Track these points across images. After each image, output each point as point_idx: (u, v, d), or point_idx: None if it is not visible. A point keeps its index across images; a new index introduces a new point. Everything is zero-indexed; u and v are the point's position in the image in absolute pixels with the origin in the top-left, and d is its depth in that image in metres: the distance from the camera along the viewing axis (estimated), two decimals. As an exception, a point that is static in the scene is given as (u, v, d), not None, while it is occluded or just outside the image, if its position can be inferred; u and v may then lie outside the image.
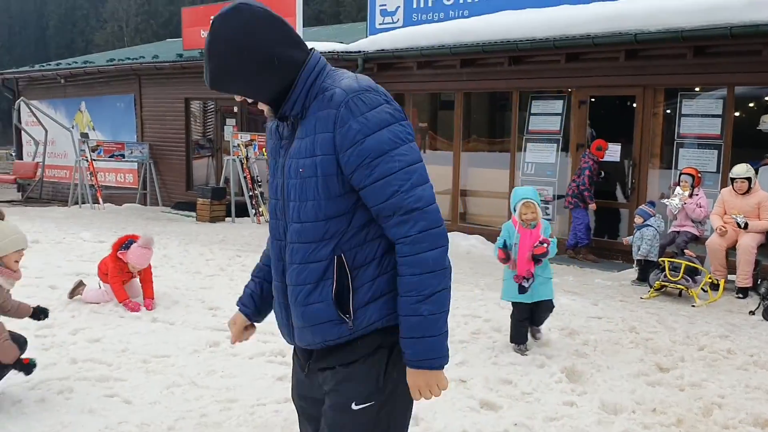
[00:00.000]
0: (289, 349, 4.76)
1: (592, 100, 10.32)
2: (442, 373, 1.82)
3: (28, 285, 6.52)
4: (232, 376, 4.38)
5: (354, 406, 1.86)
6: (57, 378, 4.27)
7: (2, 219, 3.85)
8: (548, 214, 10.55)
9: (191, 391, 4.14)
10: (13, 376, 4.30)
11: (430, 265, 1.75)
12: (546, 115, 10.62)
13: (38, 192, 19.19)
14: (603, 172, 9.73)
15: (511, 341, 4.99)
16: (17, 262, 3.75)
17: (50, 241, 9.34)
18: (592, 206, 9.41)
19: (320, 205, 1.81)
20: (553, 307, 5.11)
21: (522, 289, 4.82)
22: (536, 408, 3.87)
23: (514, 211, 4.86)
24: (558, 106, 10.48)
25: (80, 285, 6.20)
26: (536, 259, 4.78)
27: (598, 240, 10.10)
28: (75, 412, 3.79)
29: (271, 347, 4.89)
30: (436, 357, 1.79)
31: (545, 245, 4.75)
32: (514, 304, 4.97)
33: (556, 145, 10.49)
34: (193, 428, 3.62)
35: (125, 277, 5.98)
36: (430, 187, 1.82)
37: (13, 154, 23.36)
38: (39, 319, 4.07)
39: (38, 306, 4.10)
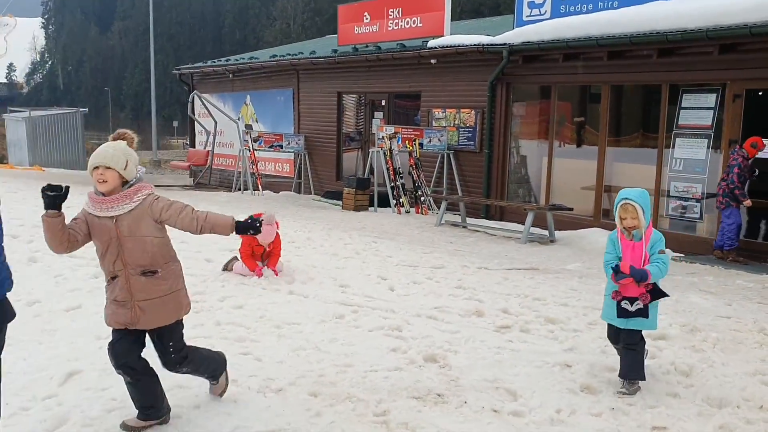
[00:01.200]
0: (406, 324, 5.12)
1: (760, 93, 9.75)
2: None
3: (188, 258, 7.37)
4: (351, 345, 4.78)
5: None
6: (203, 336, 4.88)
7: (115, 139, 3.48)
8: (696, 212, 10.13)
9: (314, 354, 4.59)
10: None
11: None
12: (697, 110, 10.16)
13: (207, 178, 21.00)
14: (756, 170, 9.18)
15: None
16: (99, 182, 3.25)
17: (211, 221, 10.32)
18: (747, 203, 8.91)
19: None
20: (639, 343, 4.07)
21: (622, 312, 4.00)
22: (637, 396, 3.93)
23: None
24: (711, 99, 9.99)
25: (233, 260, 6.94)
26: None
27: (751, 241, 9.56)
28: (214, 364, 4.34)
29: (390, 323, 5.26)
30: None
31: (629, 275, 3.88)
32: (609, 324, 4.19)
33: (707, 140, 10.01)
34: (311, 385, 4.04)
35: (259, 250, 6.66)
36: None
37: (187, 143, 25.67)
38: (248, 229, 3.45)
39: (249, 219, 3.48)
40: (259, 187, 16.41)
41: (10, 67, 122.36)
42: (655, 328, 4.15)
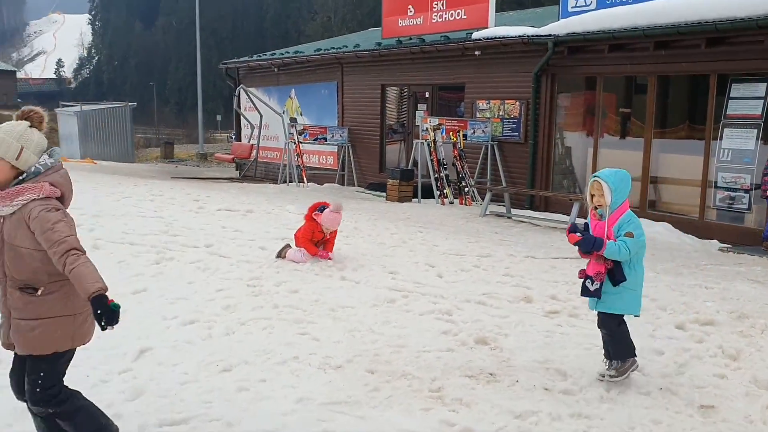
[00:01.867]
0: (456, 308, 5.28)
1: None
2: None
3: (243, 245, 7.66)
4: (404, 327, 4.98)
5: None
6: (263, 318, 5.13)
7: (19, 119, 2.84)
8: (744, 203, 10.05)
9: (368, 335, 4.79)
10: (222, 311, 5.24)
11: None
12: (747, 99, 10.06)
13: (253, 171, 21.40)
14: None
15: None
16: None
17: (262, 212, 10.61)
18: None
19: None
20: (618, 330, 4.01)
21: (585, 291, 3.97)
22: (685, 376, 4.03)
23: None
24: (761, 89, 9.88)
25: (286, 247, 7.19)
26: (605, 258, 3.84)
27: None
28: (275, 343, 4.59)
29: (440, 307, 5.44)
30: None
31: (578, 234, 3.84)
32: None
33: (756, 130, 9.92)
34: (368, 363, 4.25)
35: (318, 237, 6.92)
36: None
37: (233, 136, 26.16)
38: (101, 324, 2.66)
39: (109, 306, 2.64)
40: (304, 179, 16.70)
41: (59, 63, 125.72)
42: (637, 313, 4.01)
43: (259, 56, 22.60)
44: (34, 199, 2.70)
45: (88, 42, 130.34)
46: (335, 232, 7.14)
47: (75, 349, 2.97)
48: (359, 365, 4.22)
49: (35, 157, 2.76)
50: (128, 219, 8.84)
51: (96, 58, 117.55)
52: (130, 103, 33.24)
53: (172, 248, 7.24)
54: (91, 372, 3.99)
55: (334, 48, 18.84)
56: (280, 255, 7.13)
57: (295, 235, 7.15)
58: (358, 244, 8.14)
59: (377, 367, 4.20)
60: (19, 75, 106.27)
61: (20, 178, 2.73)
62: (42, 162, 2.78)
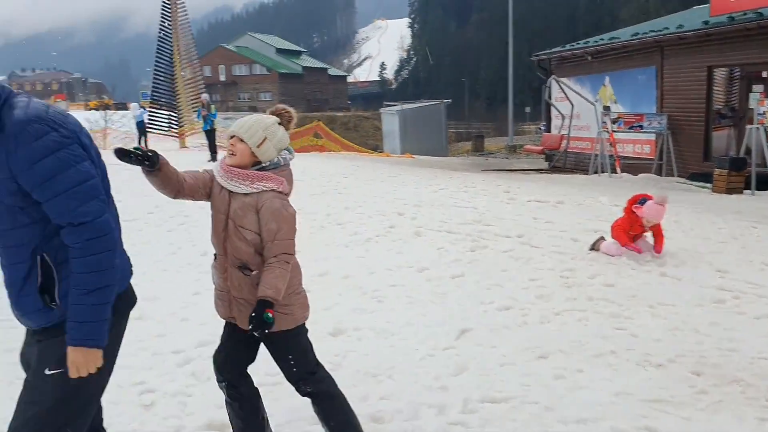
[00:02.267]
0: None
1: None
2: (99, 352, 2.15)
3: (555, 236, 7.67)
4: (735, 330, 4.57)
5: (47, 371, 2.16)
6: (577, 309, 5.11)
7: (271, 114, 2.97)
8: None
9: (692, 336, 4.49)
10: (536, 300, 5.30)
11: (94, 266, 2.10)
12: None
13: (563, 161, 21.19)
14: None
15: None
16: (228, 153, 2.84)
17: (573, 203, 10.48)
18: None
19: (13, 214, 2.13)
20: None
21: None
22: None
23: None
24: None
25: (600, 240, 7.04)
26: None
27: None
28: (590, 335, 4.54)
29: (780, 311, 4.88)
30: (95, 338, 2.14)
31: None
32: None
33: None
34: (693, 365, 4.00)
35: (636, 231, 6.63)
36: (98, 201, 2.13)
37: (542, 128, 26.17)
38: (250, 324, 2.68)
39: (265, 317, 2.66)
40: (617, 169, 16.04)
41: (382, 66, 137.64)
42: None
43: (572, 45, 22.21)
44: (274, 190, 2.79)
45: (407, 44, 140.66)
46: (659, 226, 6.73)
47: (305, 324, 2.95)
48: (683, 366, 3.98)
49: (274, 151, 2.85)
50: (445, 209, 9.39)
51: (414, 59, 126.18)
52: (444, 101, 35.12)
53: (485, 237, 7.54)
54: (419, 346, 4.37)
55: (653, 31, 17.74)
56: (594, 247, 7.00)
57: (612, 226, 6.94)
58: (679, 239, 7.62)
59: (704, 369, 3.93)
60: (349, 79, 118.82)
61: (262, 165, 2.83)
62: (284, 156, 2.90)
